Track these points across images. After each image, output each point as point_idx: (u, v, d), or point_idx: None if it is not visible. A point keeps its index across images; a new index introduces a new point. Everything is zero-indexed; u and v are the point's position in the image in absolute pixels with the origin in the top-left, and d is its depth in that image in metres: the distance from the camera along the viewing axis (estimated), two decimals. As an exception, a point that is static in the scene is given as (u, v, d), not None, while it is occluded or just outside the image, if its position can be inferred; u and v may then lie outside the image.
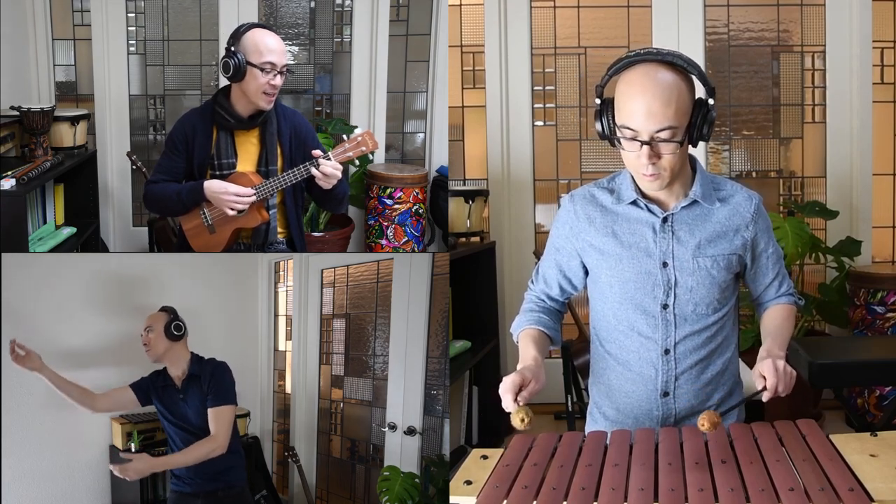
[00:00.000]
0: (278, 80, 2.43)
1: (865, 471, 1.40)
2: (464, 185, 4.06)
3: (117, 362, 2.71)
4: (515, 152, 4.04)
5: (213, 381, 2.33)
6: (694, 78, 1.70)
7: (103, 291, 2.72)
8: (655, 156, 1.66)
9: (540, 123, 4.07)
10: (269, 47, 2.42)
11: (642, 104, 1.63)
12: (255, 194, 2.43)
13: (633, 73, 1.67)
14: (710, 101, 1.69)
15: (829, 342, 3.47)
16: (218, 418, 2.31)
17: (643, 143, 1.65)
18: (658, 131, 1.64)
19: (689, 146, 1.72)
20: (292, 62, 2.52)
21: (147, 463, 2.27)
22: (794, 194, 4.02)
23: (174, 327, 2.33)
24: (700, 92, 1.71)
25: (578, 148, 4.07)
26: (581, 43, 4.03)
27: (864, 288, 3.59)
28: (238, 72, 2.41)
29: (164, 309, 2.37)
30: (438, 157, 3.97)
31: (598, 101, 1.74)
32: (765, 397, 1.65)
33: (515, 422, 1.55)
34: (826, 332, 3.93)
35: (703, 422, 1.50)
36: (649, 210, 1.80)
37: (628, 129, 1.66)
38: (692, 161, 1.82)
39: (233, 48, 2.42)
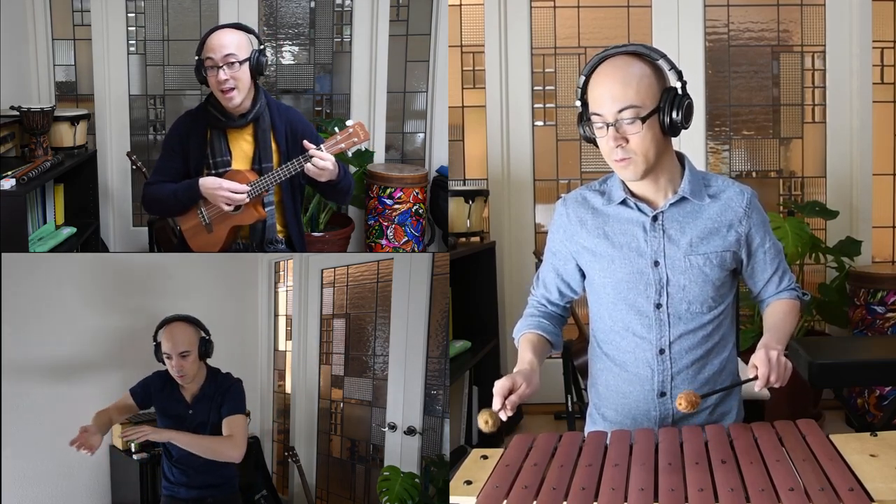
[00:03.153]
0: (222, 74, 2.40)
1: (865, 471, 1.40)
2: (464, 185, 4.06)
3: (117, 363, 2.71)
4: (515, 152, 4.04)
5: (228, 394, 2.28)
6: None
7: (103, 292, 2.72)
8: (622, 138, 1.69)
9: (540, 123, 4.07)
10: (209, 45, 2.43)
11: (605, 90, 1.69)
12: (249, 190, 2.43)
13: (600, 68, 1.72)
14: (678, 84, 1.71)
15: (829, 342, 3.47)
16: (235, 424, 2.23)
17: (608, 125, 1.69)
18: (620, 111, 1.68)
19: (670, 138, 1.73)
20: (237, 53, 2.44)
21: (151, 429, 2.18)
22: (794, 194, 4.02)
23: (208, 347, 2.26)
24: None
25: (578, 148, 4.07)
26: (581, 43, 4.03)
27: (864, 288, 3.59)
28: (200, 76, 2.46)
29: (189, 320, 2.27)
30: (438, 157, 3.97)
31: (577, 103, 1.77)
32: (757, 387, 1.65)
33: (480, 422, 1.56)
34: (826, 332, 3.93)
35: (681, 401, 1.52)
36: (639, 209, 1.81)
37: (596, 115, 1.71)
38: (681, 158, 1.83)
39: (197, 56, 2.46)
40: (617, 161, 1.72)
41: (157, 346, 2.27)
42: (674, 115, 1.69)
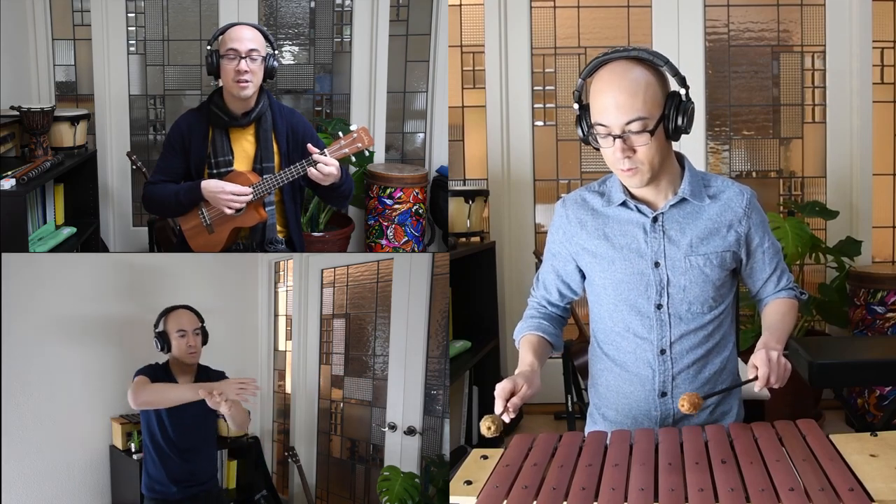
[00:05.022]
0: (244, 65, 2.43)
1: (865, 471, 1.40)
2: (464, 185, 4.06)
3: (117, 364, 2.71)
4: (515, 152, 4.04)
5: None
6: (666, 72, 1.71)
7: (103, 292, 2.72)
8: (629, 149, 1.68)
9: (540, 123, 4.07)
10: (232, 36, 2.46)
11: (611, 98, 1.66)
12: (252, 193, 2.44)
13: (601, 72, 1.70)
14: (682, 91, 1.70)
15: (829, 342, 3.47)
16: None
17: (615, 136, 1.66)
18: (628, 123, 1.66)
19: (672, 141, 1.73)
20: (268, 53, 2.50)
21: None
22: (794, 194, 4.02)
23: (206, 334, 2.32)
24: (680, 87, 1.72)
25: (578, 148, 4.07)
26: (581, 43, 4.03)
27: (864, 288, 3.59)
28: (212, 67, 2.49)
29: (188, 308, 2.35)
30: (438, 157, 3.97)
31: (576, 105, 1.76)
32: (756, 387, 1.65)
33: (482, 428, 1.55)
34: (826, 332, 3.93)
35: (683, 402, 1.53)
36: (639, 210, 1.80)
37: (601, 125, 1.68)
38: (680, 159, 1.82)
39: (210, 47, 2.49)
40: (623, 170, 1.71)
41: (162, 332, 2.32)
42: (679, 121, 1.69)
